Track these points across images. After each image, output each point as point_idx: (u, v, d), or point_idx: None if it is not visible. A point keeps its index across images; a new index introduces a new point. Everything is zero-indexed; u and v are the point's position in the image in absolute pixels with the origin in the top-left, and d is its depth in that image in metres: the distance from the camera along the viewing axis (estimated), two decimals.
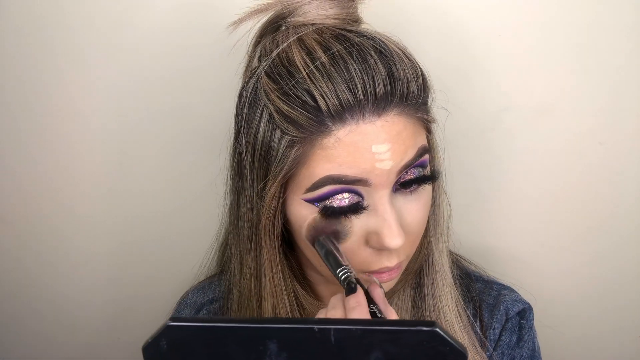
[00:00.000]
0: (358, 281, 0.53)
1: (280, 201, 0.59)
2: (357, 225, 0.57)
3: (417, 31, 0.79)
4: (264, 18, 0.63)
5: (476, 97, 0.82)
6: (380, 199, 0.56)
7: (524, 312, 0.69)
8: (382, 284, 0.59)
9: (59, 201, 0.88)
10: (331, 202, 0.56)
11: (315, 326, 0.38)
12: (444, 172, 0.66)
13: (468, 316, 0.67)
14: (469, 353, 0.64)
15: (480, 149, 0.84)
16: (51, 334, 0.92)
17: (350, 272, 0.53)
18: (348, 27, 0.60)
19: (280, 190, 0.58)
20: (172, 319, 0.39)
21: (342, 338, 0.39)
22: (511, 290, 0.71)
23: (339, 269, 0.54)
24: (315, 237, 0.57)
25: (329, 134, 0.55)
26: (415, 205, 0.59)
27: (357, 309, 0.50)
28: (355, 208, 0.57)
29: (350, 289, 0.52)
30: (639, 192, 0.83)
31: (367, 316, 0.49)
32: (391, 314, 0.51)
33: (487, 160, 0.84)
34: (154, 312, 0.81)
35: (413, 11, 0.81)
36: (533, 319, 0.70)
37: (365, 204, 0.57)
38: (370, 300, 0.51)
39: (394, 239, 0.56)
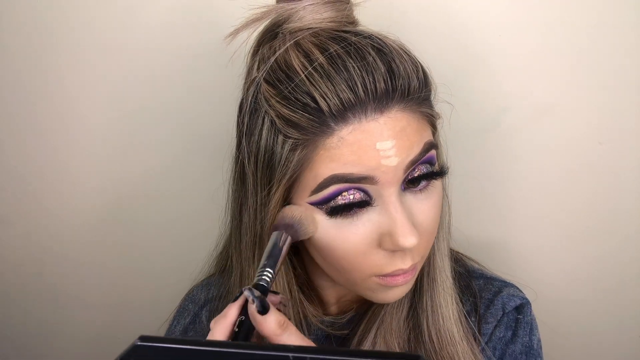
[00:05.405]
0: (262, 290, 0.49)
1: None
2: (367, 227, 0.56)
3: (418, 31, 0.79)
4: (260, 27, 0.62)
5: (476, 98, 0.82)
6: (389, 197, 0.55)
7: (522, 307, 0.67)
8: (394, 288, 0.58)
9: (59, 203, 0.89)
10: (337, 201, 0.55)
11: (290, 354, 0.37)
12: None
13: (468, 322, 0.65)
14: None
15: (479, 149, 0.84)
16: (52, 334, 0.93)
17: (267, 281, 0.51)
18: (345, 28, 0.59)
19: (286, 196, 0.57)
20: (141, 338, 0.38)
21: None
22: (512, 286, 0.70)
23: (264, 268, 0.51)
24: (275, 227, 0.56)
25: (332, 134, 0.54)
26: (426, 204, 0.57)
27: (220, 320, 0.48)
28: (362, 203, 0.55)
29: (241, 294, 0.50)
30: (639, 192, 0.82)
31: (225, 330, 0.48)
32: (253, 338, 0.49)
33: (487, 160, 0.84)
34: (154, 313, 0.81)
35: (413, 12, 0.80)
36: (530, 315, 0.68)
37: (373, 200, 0.55)
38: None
39: (407, 237, 0.54)
